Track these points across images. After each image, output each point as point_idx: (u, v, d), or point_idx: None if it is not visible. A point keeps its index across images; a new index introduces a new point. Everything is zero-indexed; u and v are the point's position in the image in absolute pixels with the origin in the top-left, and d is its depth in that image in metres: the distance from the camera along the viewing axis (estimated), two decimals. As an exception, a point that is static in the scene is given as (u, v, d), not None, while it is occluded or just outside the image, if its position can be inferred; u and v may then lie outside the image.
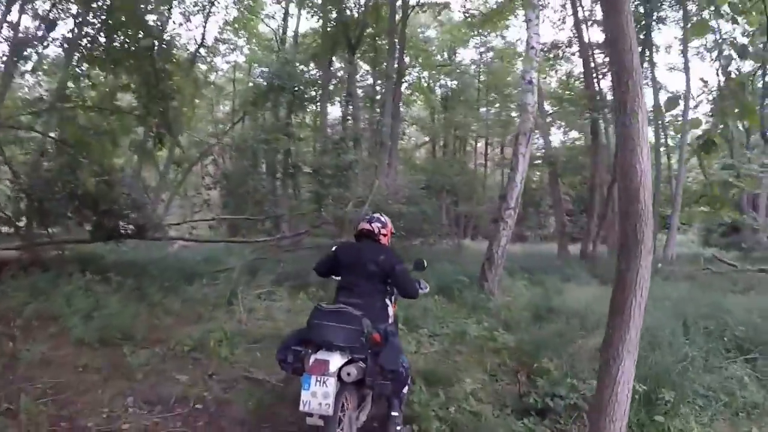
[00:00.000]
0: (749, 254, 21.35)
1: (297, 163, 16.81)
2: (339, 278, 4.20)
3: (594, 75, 22.54)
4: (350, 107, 23.60)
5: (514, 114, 31.58)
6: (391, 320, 4.14)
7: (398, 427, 3.90)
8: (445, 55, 33.17)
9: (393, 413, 3.89)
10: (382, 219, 4.39)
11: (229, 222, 17.13)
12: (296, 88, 22.13)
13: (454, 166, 30.41)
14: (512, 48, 31.06)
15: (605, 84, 22.53)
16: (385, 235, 4.33)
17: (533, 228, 35.09)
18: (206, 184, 15.31)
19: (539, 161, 28.08)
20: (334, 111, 29.93)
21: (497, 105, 34.51)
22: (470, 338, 7.19)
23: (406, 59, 25.39)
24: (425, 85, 33.81)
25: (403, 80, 24.14)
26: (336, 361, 3.35)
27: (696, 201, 28.09)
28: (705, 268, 16.63)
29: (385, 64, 21.72)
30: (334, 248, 4.39)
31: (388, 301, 4.13)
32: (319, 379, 3.23)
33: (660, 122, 23.53)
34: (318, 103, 24.38)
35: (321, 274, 4.46)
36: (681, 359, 5.12)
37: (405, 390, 4.00)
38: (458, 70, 33.27)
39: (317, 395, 3.19)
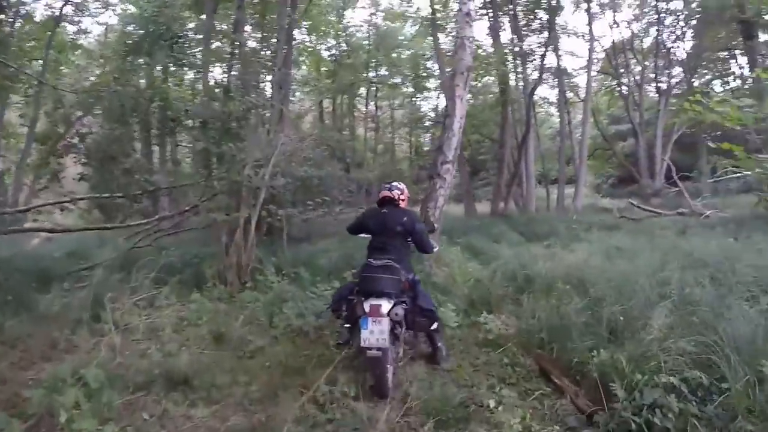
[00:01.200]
0: (647, 201, 22.70)
1: (177, 116, 13.82)
2: (370, 238, 4.97)
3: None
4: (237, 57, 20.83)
5: (401, 77, 31.64)
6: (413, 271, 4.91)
7: (445, 353, 4.94)
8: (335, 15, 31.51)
9: (439, 344, 4.90)
10: (400, 186, 5.18)
11: (99, 203, 14.19)
12: (175, 39, 19.31)
13: (343, 132, 29.42)
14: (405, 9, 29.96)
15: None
16: (403, 200, 5.12)
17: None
18: (60, 152, 12.11)
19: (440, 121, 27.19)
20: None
21: (384, 68, 33.47)
22: (451, 331, 5.79)
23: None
24: (313, 47, 31.97)
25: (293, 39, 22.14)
26: (386, 304, 4.15)
27: (590, 155, 30.44)
28: (621, 216, 17.46)
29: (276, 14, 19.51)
30: (362, 215, 5.28)
31: (410, 252, 5.02)
32: (375, 320, 4.04)
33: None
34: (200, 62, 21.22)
35: (352, 232, 5.31)
36: None
37: (438, 325, 4.82)
38: (345, 33, 31.96)
39: (375, 333, 4.00)
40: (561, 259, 8.57)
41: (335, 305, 4.50)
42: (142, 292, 6.92)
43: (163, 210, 13.04)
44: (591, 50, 24.41)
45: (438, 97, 33.51)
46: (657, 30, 28.43)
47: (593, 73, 27.94)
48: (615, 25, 31.99)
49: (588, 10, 23.24)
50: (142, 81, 21.64)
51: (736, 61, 34.51)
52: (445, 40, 23.72)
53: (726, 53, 30.28)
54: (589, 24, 23.43)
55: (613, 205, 23.81)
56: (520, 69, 23.10)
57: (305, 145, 11.53)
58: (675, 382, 3.55)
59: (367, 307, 4.15)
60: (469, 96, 9.46)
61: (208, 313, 6.52)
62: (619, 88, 30.49)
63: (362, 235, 5.19)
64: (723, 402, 3.43)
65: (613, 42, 29.59)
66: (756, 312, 4.42)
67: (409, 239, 4.91)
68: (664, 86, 29.16)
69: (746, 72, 32.55)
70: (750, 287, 5.46)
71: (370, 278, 4.35)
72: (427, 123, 33.57)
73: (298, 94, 33.47)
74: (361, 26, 32.59)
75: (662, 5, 27.72)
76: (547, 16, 22.29)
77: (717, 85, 35.26)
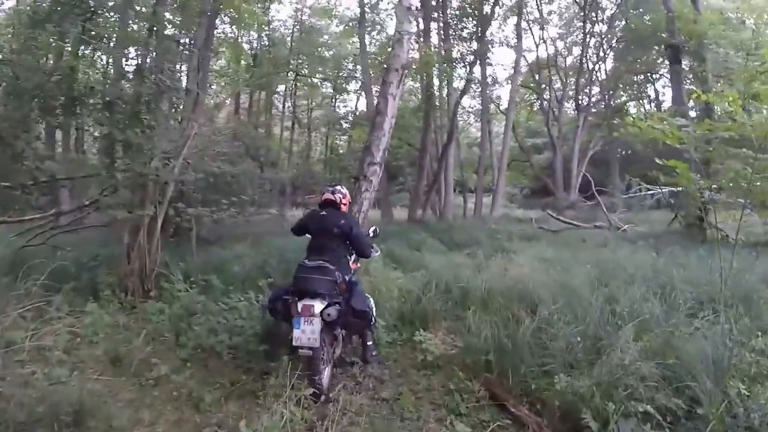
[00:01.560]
0: (561, 214, 22.80)
1: (81, 96, 12.23)
2: (309, 240, 5.10)
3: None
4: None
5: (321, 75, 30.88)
6: (351, 269, 5.08)
7: (374, 353, 5.04)
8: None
9: (369, 343, 5.00)
10: (342, 190, 5.40)
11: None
12: (89, 14, 17.40)
13: (259, 129, 28.30)
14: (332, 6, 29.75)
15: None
16: (345, 204, 5.34)
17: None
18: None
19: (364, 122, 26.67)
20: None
21: (305, 66, 32.66)
22: (384, 349, 5.25)
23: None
24: (235, 37, 30.40)
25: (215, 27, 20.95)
26: (318, 305, 4.28)
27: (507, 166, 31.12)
28: (539, 227, 18.16)
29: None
30: (304, 216, 5.59)
31: (349, 257, 5.09)
32: (307, 319, 4.21)
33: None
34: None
35: (295, 233, 5.40)
36: None
37: (372, 325, 4.96)
38: (269, 27, 30.86)
39: (306, 332, 4.17)
40: (495, 271, 8.22)
41: (271, 304, 4.60)
42: (30, 300, 5.64)
43: (60, 204, 11.52)
44: (517, 63, 24.86)
45: (358, 99, 33.27)
46: (581, 49, 29.55)
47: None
48: (541, 42, 32.50)
49: (518, 24, 23.55)
50: (50, 57, 19.59)
51: (653, 86, 37.05)
52: (370, 41, 23.52)
53: (643, 77, 32.03)
54: (518, 38, 23.83)
55: (527, 215, 24.40)
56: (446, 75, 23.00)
57: (220, 139, 10.73)
58: (650, 410, 3.32)
59: (299, 307, 4.25)
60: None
61: (106, 328, 5.56)
62: (539, 103, 31.40)
63: (308, 235, 5.28)
64: (697, 428, 3.29)
65: (537, 57, 30.54)
66: (714, 330, 4.29)
67: (348, 241, 5.01)
68: (583, 103, 30.12)
69: (663, 95, 35.08)
70: (689, 302, 5.38)
71: (303, 279, 4.46)
72: (345, 125, 33.11)
73: (214, 86, 32.23)
74: (286, 21, 31.74)
75: (588, 27, 28.99)
76: (476, 27, 22.39)
77: (631, 106, 37.64)
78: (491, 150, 27.37)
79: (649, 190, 22.67)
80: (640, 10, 27.61)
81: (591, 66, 30.20)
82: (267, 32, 31.34)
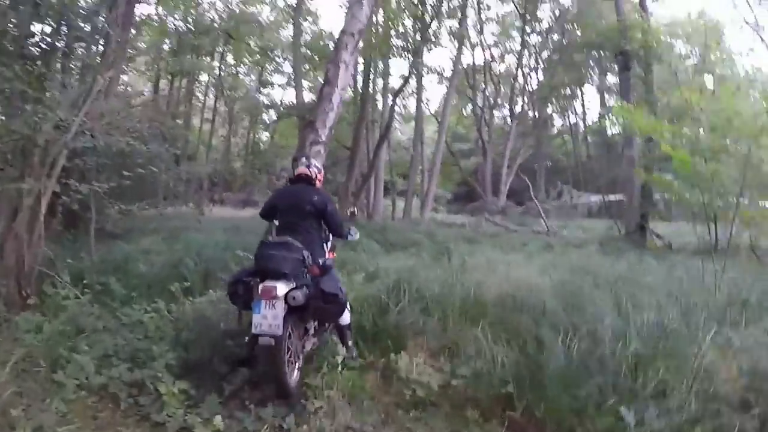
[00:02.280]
0: (492, 217, 22.62)
1: None
2: (276, 221, 4.56)
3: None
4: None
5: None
6: (327, 255, 4.45)
7: (354, 354, 4.35)
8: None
9: (349, 343, 4.36)
10: (318, 165, 4.84)
11: None
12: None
13: (177, 120, 25.79)
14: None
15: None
16: (319, 180, 4.70)
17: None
18: None
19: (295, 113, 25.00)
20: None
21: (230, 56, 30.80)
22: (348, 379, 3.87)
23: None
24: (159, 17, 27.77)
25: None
26: (282, 287, 3.67)
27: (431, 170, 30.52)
28: (475, 230, 17.25)
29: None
30: (273, 194, 5.14)
31: (324, 237, 4.53)
32: (268, 303, 3.61)
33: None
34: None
35: (265, 216, 4.79)
36: None
37: (347, 319, 4.36)
38: (194, 12, 28.47)
39: (267, 317, 3.58)
40: (465, 273, 6.94)
41: (231, 288, 3.95)
42: None
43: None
44: (456, 65, 24.12)
45: (283, 93, 31.70)
46: (517, 58, 29.60)
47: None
48: (477, 46, 32.01)
49: (459, 27, 22.73)
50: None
51: (581, 100, 37.84)
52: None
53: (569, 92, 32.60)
54: (459, 43, 23.05)
55: (455, 220, 24.09)
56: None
57: (134, 119, 8.96)
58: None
59: (260, 288, 3.68)
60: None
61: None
62: (471, 107, 31.12)
63: (276, 222, 4.71)
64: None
65: (473, 62, 30.27)
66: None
67: (317, 220, 4.44)
68: (517, 111, 29.96)
69: (589, 109, 35.97)
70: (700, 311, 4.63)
71: (265, 256, 3.88)
72: (267, 119, 31.53)
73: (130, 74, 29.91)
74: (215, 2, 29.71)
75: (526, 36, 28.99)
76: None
77: (556, 118, 38.27)
78: (422, 152, 26.32)
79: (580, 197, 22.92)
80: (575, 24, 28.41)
81: (525, 75, 30.12)
82: (193, 16, 29.11)
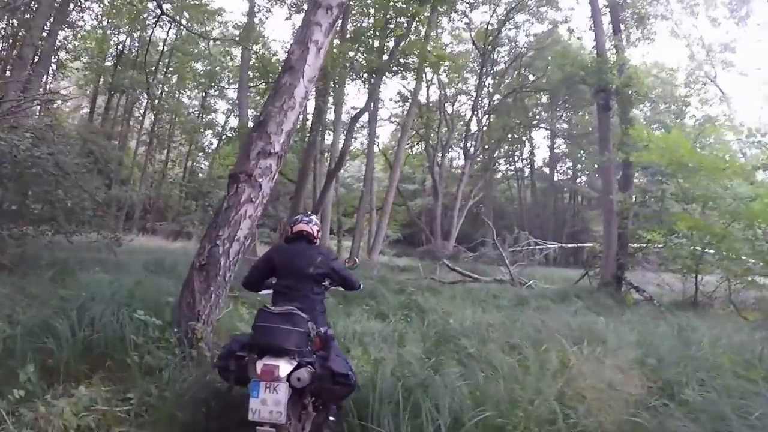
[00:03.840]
0: (437, 262, 21.19)
1: None
2: (273, 283, 3.99)
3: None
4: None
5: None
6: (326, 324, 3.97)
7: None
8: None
9: (330, 418, 3.68)
10: (315, 219, 4.26)
11: None
12: None
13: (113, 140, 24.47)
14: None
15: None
16: (318, 238, 4.19)
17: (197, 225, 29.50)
18: None
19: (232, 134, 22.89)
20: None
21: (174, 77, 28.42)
22: None
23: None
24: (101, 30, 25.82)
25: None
26: (285, 366, 3.18)
27: (379, 208, 28.85)
28: (431, 278, 15.94)
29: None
30: (267, 254, 4.17)
31: (323, 302, 4.02)
32: (269, 385, 3.11)
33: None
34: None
35: (252, 286, 4.15)
36: None
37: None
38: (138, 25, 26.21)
39: (267, 402, 3.08)
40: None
41: (221, 362, 3.44)
42: None
43: None
44: (414, 100, 22.55)
45: (227, 118, 29.67)
46: (475, 96, 28.75)
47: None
48: (431, 84, 30.85)
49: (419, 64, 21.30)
50: None
51: (529, 144, 37.63)
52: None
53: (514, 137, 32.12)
54: (417, 77, 21.42)
55: (403, 263, 22.68)
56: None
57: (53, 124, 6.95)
58: None
59: (259, 368, 3.10)
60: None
61: None
62: (423, 146, 30.00)
63: (263, 292, 4.13)
64: None
65: (428, 99, 29.08)
66: None
67: (326, 282, 3.97)
68: (471, 151, 28.76)
69: (535, 156, 35.68)
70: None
71: (266, 329, 3.29)
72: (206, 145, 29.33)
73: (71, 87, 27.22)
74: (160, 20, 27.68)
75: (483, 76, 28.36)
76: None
77: (501, 163, 37.73)
78: (372, 189, 24.35)
79: (537, 244, 21.35)
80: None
81: (479, 116, 29.01)
82: (137, 30, 27.42)
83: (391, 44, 16.61)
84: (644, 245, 14.32)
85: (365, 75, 17.09)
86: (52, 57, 18.15)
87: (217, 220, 4.90)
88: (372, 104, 19.54)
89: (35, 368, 3.70)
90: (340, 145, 18.47)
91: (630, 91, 14.69)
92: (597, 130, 15.77)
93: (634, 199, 14.46)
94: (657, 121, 24.03)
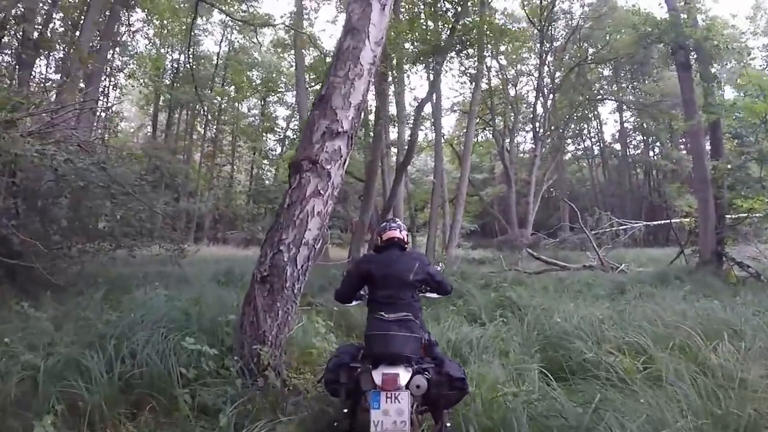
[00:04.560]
0: (518, 253, 19.65)
1: None
2: (368, 293, 3.70)
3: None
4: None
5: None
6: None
7: None
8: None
9: (447, 424, 3.29)
10: (403, 224, 3.96)
11: None
12: None
13: (177, 155, 25.23)
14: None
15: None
16: (408, 243, 3.87)
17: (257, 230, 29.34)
18: None
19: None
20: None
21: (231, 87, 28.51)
22: None
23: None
24: (155, 49, 26.14)
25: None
26: (404, 373, 3.06)
27: (451, 200, 27.68)
28: (515, 269, 14.33)
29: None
30: (361, 264, 3.81)
31: (422, 311, 3.73)
32: (390, 395, 2.97)
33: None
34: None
35: (346, 298, 3.80)
36: None
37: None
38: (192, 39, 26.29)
39: (390, 413, 2.93)
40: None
41: (331, 375, 3.25)
42: None
43: None
44: (477, 84, 21.24)
45: (288, 124, 29.32)
46: (537, 74, 27.29)
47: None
48: (491, 69, 29.50)
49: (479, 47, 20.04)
50: None
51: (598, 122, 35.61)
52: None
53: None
54: (479, 61, 20.19)
55: (481, 255, 21.39)
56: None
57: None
58: None
59: (378, 377, 3.00)
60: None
61: None
62: (491, 132, 28.60)
63: (353, 303, 3.88)
64: None
65: (490, 85, 27.63)
66: None
67: (421, 288, 3.70)
68: (540, 132, 27.09)
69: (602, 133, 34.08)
70: None
71: (384, 337, 3.19)
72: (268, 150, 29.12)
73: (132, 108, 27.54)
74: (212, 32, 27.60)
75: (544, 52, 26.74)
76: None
77: (570, 144, 35.79)
78: (444, 181, 23.12)
79: (621, 225, 19.62)
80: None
81: (545, 94, 27.31)
82: (192, 48, 27.08)
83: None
84: (744, 215, 12.70)
85: (426, 58, 15.85)
86: (103, 76, 18.04)
87: (279, 220, 4.00)
88: (435, 93, 18.43)
89: (59, 414, 2.98)
90: (407, 138, 17.45)
91: (711, 45, 12.95)
92: (680, 91, 13.97)
93: (729, 166, 12.77)
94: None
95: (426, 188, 27.37)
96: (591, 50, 29.32)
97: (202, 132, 31.18)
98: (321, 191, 3.96)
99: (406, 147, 15.96)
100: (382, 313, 3.38)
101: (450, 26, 15.12)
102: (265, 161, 32.37)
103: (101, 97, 22.73)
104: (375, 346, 3.22)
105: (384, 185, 20.04)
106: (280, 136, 31.73)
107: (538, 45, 26.51)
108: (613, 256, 15.54)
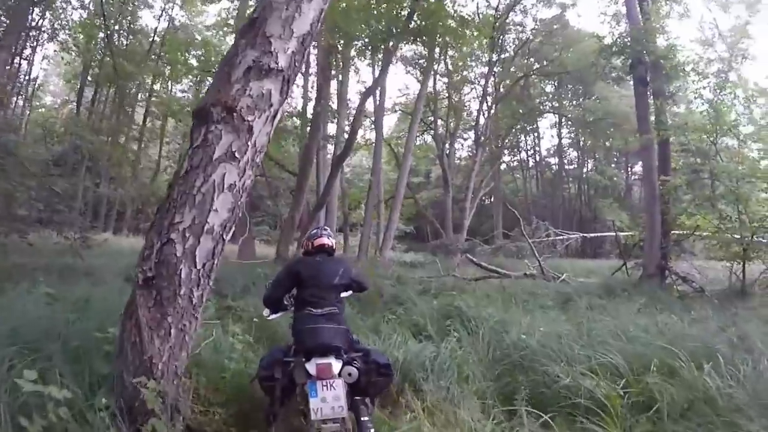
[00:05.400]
0: (452, 259, 19.66)
1: None
2: (296, 293, 3.83)
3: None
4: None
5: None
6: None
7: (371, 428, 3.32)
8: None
9: (364, 418, 3.26)
10: (331, 232, 4.25)
11: None
12: None
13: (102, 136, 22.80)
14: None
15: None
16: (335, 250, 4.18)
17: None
18: None
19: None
20: None
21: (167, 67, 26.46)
22: None
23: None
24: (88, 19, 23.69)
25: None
26: (336, 363, 3.23)
27: (385, 202, 26.72)
28: (453, 275, 13.19)
29: None
30: (291, 267, 3.95)
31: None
32: (325, 383, 3.11)
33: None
34: None
35: (276, 302, 3.86)
36: None
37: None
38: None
39: (328, 400, 3.06)
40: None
41: (266, 372, 3.29)
42: None
43: None
44: (424, 83, 20.57)
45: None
46: (485, 80, 26.96)
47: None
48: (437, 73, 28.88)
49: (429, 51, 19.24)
50: None
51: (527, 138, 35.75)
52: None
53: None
54: (430, 54, 19.41)
55: (415, 259, 21.21)
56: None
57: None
58: None
59: (312, 368, 3.16)
60: None
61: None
62: (432, 135, 28.08)
63: (278, 315, 3.95)
64: None
65: (435, 87, 27.05)
66: None
67: (344, 290, 3.90)
68: (482, 137, 26.57)
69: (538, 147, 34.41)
70: None
71: (314, 330, 3.36)
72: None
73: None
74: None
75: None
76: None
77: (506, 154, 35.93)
78: (380, 180, 22.02)
79: (557, 235, 19.29)
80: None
81: (489, 102, 26.99)
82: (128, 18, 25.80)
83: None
84: (688, 232, 12.68)
85: (376, 45, 14.69)
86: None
87: (172, 195, 2.78)
88: (380, 85, 17.44)
89: None
90: (345, 133, 16.34)
91: (671, 64, 12.79)
92: (635, 107, 13.66)
93: (681, 181, 12.70)
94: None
95: (362, 187, 26.40)
96: (536, 65, 29.43)
97: (130, 112, 28.93)
98: (236, 154, 2.77)
99: (346, 140, 14.77)
100: (310, 308, 3.52)
101: (408, 9, 14.00)
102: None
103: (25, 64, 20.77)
104: (307, 339, 3.31)
105: (318, 181, 18.84)
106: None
107: (486, 54, 26.07)
108: (551, 266, 14.98)
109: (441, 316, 6.89)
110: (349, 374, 3.23)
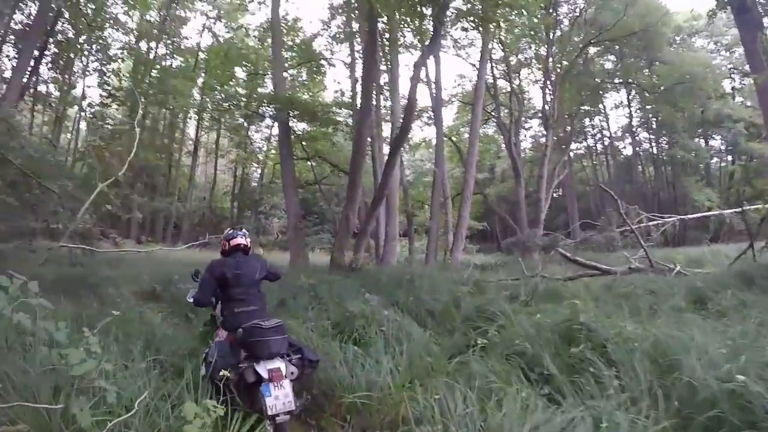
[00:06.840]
0: (529, 256, 18.15)
1: None
2: (221, 292, 4.30)
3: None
4: None
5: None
6: None
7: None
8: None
9: (308, 397, 4.15)
10: (247, 233, 4.66)
11: None
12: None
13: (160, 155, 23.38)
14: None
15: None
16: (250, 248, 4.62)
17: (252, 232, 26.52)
18: None
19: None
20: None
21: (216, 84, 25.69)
22: None
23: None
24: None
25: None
26: (283, 365, 3.70)
27: (451, 200, 24.61)
28: (542, 275, 10.79)
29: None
30: (214, 269, 4.31)
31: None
32: (276, 384, 3.59)
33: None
34: None
35: (207, 302, 4.40)
36: None
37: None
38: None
39: (279, 397, 3.56)
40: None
41: (217, 375, 3.60)
42: None
43: None
44: (483, 63, 18.66)
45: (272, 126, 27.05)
46: (545, 56, 24.74)
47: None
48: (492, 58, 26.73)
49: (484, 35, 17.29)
50: None
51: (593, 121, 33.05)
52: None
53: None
54: (482, 59, 18.18)
55: (488, 260, 19.08)
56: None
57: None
58: None
59: (264, 372, 3.64)
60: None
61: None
62: (495, 123, 25.97)
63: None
64: None
65: (493, 74, 25.00)
66: None
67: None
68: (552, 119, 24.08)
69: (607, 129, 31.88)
70: None
71: (265, 343, 3.75)
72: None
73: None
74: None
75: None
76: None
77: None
78: (444, 174, 19.78)
79: (650, 220, 16.67)
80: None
81: (552, 80, 24.41)
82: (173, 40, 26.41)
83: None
84: None
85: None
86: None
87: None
88: (435, 55, 15.49)
89: None
90: (401, 112, 14.40)
91: None
92: (741, 41, 11.29)
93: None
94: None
95: (426, 182, 25.20)
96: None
97: (181, 127, 28.92)
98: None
99: (402, 120, 12.57)
100: (243, 307, 4.13)
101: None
102: (255, 165, 29.94)
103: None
104: (257, 350, 3.71)
105: (374, 178, 17.04)
106: (265, 134, 29.61)
107: (541, 30, 23.74)
108: (658, 256, 12.52)
109: (559, 337, 4.82)
110: (292, 373, 3.74)
